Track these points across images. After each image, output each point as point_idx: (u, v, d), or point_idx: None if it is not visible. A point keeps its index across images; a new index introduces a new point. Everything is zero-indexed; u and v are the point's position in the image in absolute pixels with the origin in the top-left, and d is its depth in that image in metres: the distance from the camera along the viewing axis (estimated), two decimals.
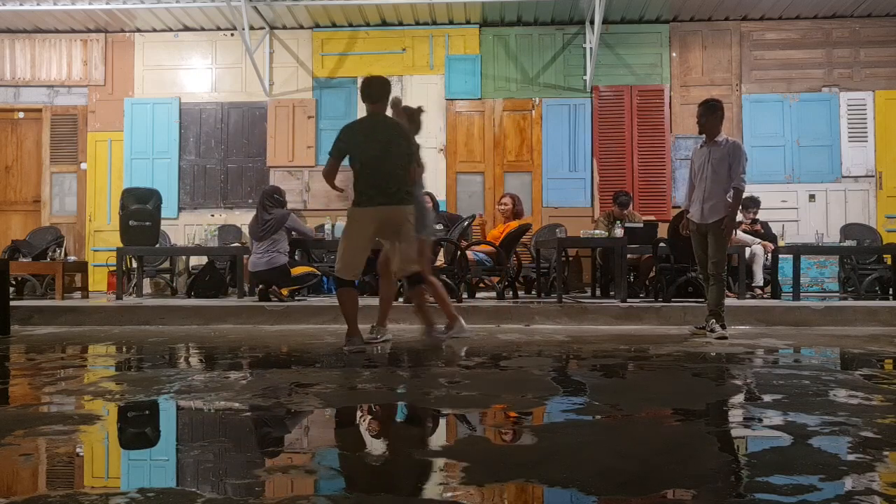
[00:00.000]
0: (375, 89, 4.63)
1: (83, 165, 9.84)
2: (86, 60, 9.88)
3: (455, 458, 2.05)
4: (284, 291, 7.22)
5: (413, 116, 5.06)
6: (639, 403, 2.82)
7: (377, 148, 4.52)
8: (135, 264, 8.17)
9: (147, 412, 2.83)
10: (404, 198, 4.57)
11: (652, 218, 8.16)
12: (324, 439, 2.47)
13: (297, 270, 7.20)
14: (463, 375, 3.53)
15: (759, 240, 7.83)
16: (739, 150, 5.24)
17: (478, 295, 7.75)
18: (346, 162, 4.63)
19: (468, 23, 9.62)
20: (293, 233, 7.40)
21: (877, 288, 8.33)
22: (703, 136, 5.40)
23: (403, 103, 5.17)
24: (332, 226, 7.81)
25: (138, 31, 9.85)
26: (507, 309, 6.46)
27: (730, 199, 5.21)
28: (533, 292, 7.95)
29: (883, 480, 1.84)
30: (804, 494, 1.69)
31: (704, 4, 9.11)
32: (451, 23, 9.61)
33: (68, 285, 8.12)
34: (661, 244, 6.98)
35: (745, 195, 7.92)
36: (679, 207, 7.56)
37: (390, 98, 4.75)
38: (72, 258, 8.40)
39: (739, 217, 7.98)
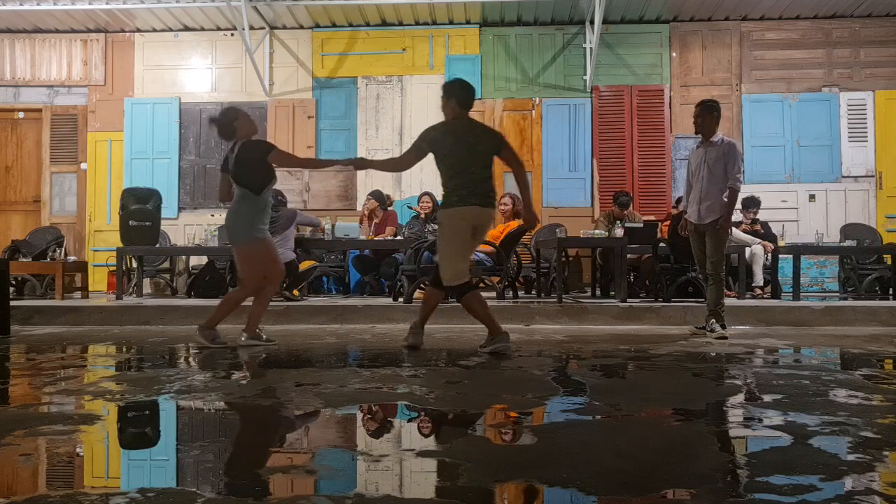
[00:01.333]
0: (467, 94, 4.64)
1: (83, 165, 9.84)
2: (86, 60, 9.88)
3: (455, 458, 2.05)
4: (296, 293, 7.25)
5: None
6: (639, 403, 2.82)
7: (464, 150, 4.48)
8: (135, 264, 8.17)
9: (147, 412, 2.83)
10: (492, 200, 4.52)
11: (652, 218, 8.16)
12: (324, 439, 2.47)
13: (302, 266, 7.36)
14: (463, 375, 3.53)
15: (759, 240, 7.83)
16: (734, 150, 5.25)
17: None
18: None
19: (468, 23, 9.62)
20: (307, 228, 7.58)
21: (877, 288, 8.33)
22: (700, 136, 5.43)
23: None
24: (332, 226, 7.81)
25: (138, 31, 9.85)
26: (507, 309, 6.45)
27: (726, 199, 5.22)
28: (533, 292, 7.95)
29: (883, 480, 1.84)
30: (804, 494, 1.69)
31: (704, 4, 9.11)
32: (451, 23, 9.61)
33: (68, 285, 8.11)
34: (661, 244, 6.98)
35: (745, 195, 7.96)
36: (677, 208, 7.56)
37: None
38: (72, 258, 8.40)
39: (740, 217, 7.99)
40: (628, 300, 6.79)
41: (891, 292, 7.65)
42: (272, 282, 4.79)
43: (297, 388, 3.20)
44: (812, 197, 9.27)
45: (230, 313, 4.77)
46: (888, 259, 7.93)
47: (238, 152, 4.61)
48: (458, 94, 4.60)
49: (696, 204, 5.36)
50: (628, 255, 7.24)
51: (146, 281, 8.67)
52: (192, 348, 4.87)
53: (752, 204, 8.07)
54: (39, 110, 9.93)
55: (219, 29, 9.78)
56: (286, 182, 9.39)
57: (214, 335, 4.69)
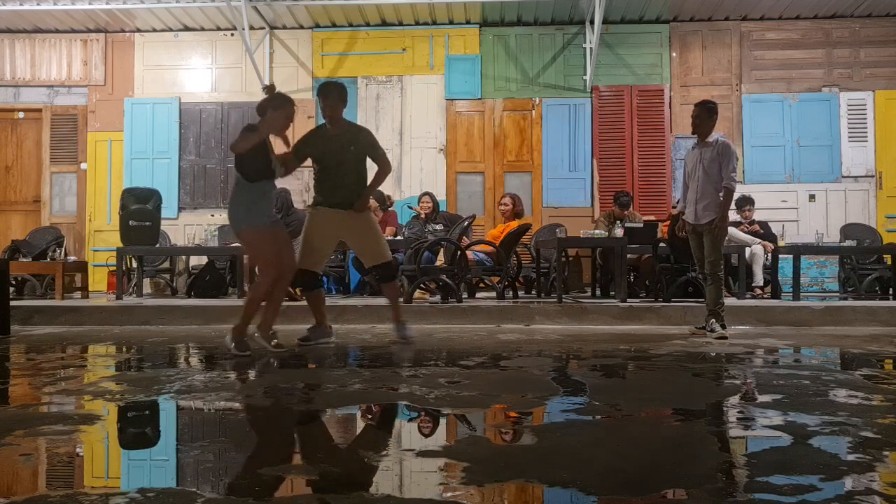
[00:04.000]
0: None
1: (83, 165, 9.84)
2: (86, 60, 9.88)
3: (455, 458, 2.05)
4: (297, 292, 7.24)
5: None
6: (639, 403, 2.82)
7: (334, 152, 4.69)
8: (135, 264, 8.17)
9: (147, 412, 2.83)
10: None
11: (652, 218, 8.16)
12: (324, 439, 2.47)
13: None
14: (463, 375, 3.52)
15: (758, 240, 7.83)
16: (729, 150, 5.26)
17: (478, 295, 7.75)
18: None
19: (468, 23, 9.62)
20: None
21: (877, 288, 8.32)
22: (696, 136, 5.45)
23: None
24: None
25: (138, 31, 9.85)
26: (507, 309, 6.45)
27: (721, 199, 5.24)
28: (533, 292, 7.95)
29: (883, 480, 1.84)
30: (804, 494, 1.69)
31: (704, 4, 9.11)
32: (451, 23, 9.61)
33: (68, 285, 8.11)
34: (661, 244, 6.98)
35: (738, 195, 7.95)
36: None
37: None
38: (72, 258, 8.40)
39: (735, 216, 7.98)
40: (628, 300, 6.78)
41: (891, 292, 7.65)
42: (283, 276, 4.58)
43: (297, 388, 3.21)
44: (812, 197, 9.27)
45: (257, 310, 4.53)
46: (888, 259, 7.92)
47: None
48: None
49: (693, 204, 5.37)
50: (628, 255, 7.24)
51: (146, 281, 8.67)
52: (192, 348, 4.87)
53: (744, 202, 8.06)
54: (39, 110, 9.93)
55: (219, 29, 9.77)
56: (286, 182, 9.39)
57: (252, 338, 4.46)
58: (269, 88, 4.69)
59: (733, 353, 4.43)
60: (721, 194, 5.23)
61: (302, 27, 9.74)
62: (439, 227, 7.83)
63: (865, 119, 9.28)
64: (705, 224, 5.29)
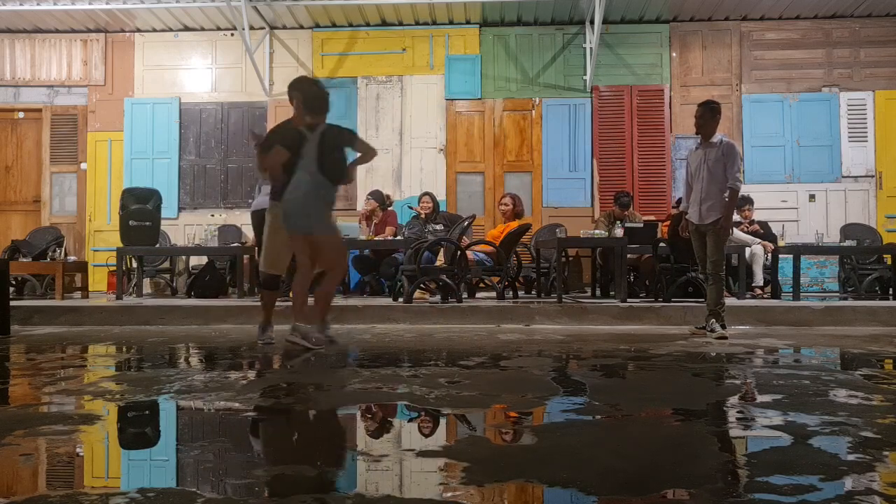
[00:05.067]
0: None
1: (83, 165, 9.84)
2: (86, 60, 9.88)
3: (455, 458, 2.05)
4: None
5: None
6: (639, 403, 2.82)
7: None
8: (135, 264, 8.17)
9: (147, 412, 2.83)
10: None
11: (652, 218, 8.16)
12: (324, 439, 2.47)
13: None
14: (463, 375, 3.52)
15: (759, 240, 7.82)
16: (733, 150, 5.26)
17: (478, 295, 7.75)
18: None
19: (468, 23, 9.62)
20: None
21: (877, 288, 8.32)
22: (699, 136, 5.45)
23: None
24: None
25: (138, 31, 9.85)
26: (507, 309, 6.46)
27: (726, 199, 5.23)
28: (533, 292, 7.95)
29: (883, 480, 1.84)
30: (804, 494, 1.69)
31: (704, 4, 9.11)
32: (451, 23, 9.61)
33: (68, 285, 8.11)
34: (661, 244, 6.98)
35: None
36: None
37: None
38: (72, 258, 8.40)
39: (735, 217, 7.98)
40: (628, 300, 6.79)
41: (891, 292, 7.65)
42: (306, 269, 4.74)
43: (297, 388, 3.21)
44: (812, 197, 9.27)
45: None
46: (888, 259, 7.92)
47: (326, 136, 4.60)
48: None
49: (697, 205, 5.37)
50: (628, 255, 7.24)
51: (146, 281, 8.67)
52: (192, 348, 4.87)
53: (744, 202, 8.04)
54: (39, 110, 9.93)
55: (219, 29, 9.77)
56: None
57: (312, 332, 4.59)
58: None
59: (733, 353, 4.43)
60: (726, 195, 5.23)
61: (302, 27, 9.74)
62: (439, 227, 7.83)
63: (865, 119, 9.28)
64: (709, 224, 5.29)
